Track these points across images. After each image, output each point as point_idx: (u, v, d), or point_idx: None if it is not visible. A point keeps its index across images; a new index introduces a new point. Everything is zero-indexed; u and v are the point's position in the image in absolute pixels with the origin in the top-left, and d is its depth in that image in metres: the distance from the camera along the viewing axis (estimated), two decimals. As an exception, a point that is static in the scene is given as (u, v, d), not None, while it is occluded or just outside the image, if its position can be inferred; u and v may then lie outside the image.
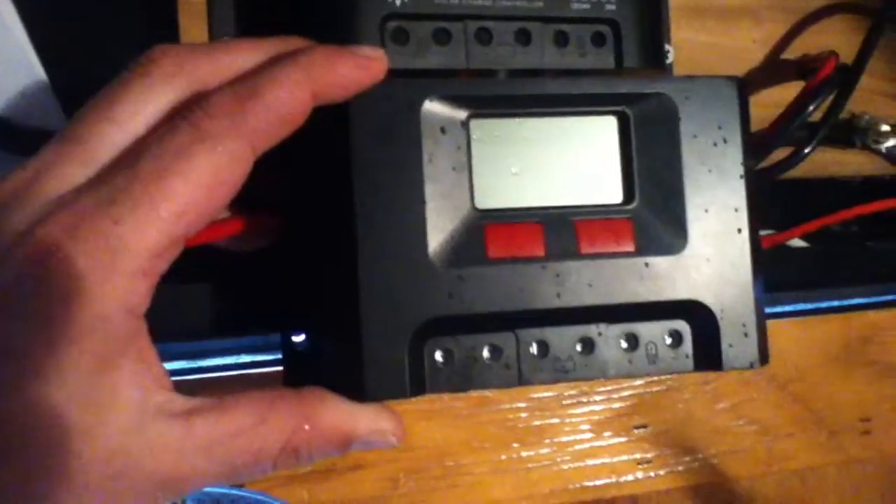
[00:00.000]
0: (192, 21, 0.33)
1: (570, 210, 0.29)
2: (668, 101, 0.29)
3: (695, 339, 0.30)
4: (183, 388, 0.25)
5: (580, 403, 0.45)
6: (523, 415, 0.44)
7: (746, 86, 0.30)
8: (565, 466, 0.45)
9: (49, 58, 0.32)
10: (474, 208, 0.28)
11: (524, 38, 0.32)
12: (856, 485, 0.49)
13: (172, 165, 0.23)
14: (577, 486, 0.45)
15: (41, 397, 0.22)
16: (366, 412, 0.27)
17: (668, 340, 0.29)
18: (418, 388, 0.27)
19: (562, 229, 0.28)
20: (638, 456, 0.46)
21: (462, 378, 0.28)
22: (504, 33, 0.32)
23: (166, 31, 0.33)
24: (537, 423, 0.44)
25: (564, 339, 0.29)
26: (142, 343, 0.24)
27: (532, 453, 0.44)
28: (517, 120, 0.29)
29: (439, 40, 0.31)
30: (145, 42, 0.33)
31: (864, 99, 0.43)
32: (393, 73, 0.27)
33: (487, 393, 0.44)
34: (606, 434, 0.45)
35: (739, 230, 0.29)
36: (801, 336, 0.48)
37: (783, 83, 0.42)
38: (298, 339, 0.31)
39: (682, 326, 0.30)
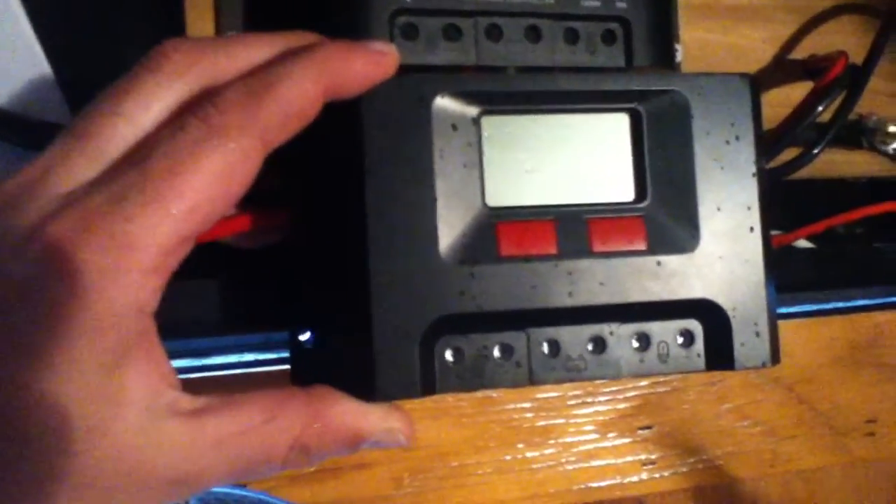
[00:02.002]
0: (199, 15, 0.33)
1: (583, 208, 0.29)
2: (680, 99, 0.29)
3: (707, 338, 0.29)
4: (186, 387, 0.25)
5: (585, 404, 0.45)
6: (528, 415, 0.44)
7: (758, 83, 0.30)
8: (570, 467, 0.44)
9: (54, 50, 0.32)
10: (486, 206, 0.28)
11: (534, 35, 0.32)
12: (860, 486, 0.49)
13: (184, 162, 0.22)
14: (582, 486, 0.45)
15: (51, 394, 0.21)
16: (376, 411, 0.27)
17: (680, 340, 0.29)
18: (429, 387, 0.27)
19: (574, 227, 0.28)
20: (643, 457, 0.46)
21: (472, 377, 0.28)
22: (514, 30, 0.32)
23: (173, 24, 0.32)
24: (542, 423, 0.44)
25: (576, 338, 0.28)
26: (151, 341, 0.24)
27: (537, 454, 0.44)
28: (529, 117, 0.29)
29: (449, 36, 0.31)
30: (151, 35, 0.33)
31: (872, 99, 0.43)
32: (402, 69, 0.27)
33: (492, 393, 0.44)
34: (611, 435, 0.45)
35: (752, 229, 0.29)
36: (806, 337, 0.48)
37: (791, 83, 0.42)
38: (305, 336, 0.30)
39: (695, 326, 0.29)
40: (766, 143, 0.37)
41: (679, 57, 0.38)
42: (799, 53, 0.42)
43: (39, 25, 0.32)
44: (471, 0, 0.31)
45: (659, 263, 0.28)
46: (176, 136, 0.23)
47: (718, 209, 0.29)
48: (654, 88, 0.29)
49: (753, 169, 0.29)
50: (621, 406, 0.45)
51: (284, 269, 0.31)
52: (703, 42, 0.41)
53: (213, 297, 0.33)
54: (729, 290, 0.29)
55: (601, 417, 0.45)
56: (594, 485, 0.45)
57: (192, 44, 0.25)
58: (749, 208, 0.29)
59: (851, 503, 0.49)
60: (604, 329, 0.29)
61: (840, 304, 0.48)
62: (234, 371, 0.42)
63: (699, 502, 0.46)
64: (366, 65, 0.26)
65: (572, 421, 0.45)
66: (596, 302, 0.28)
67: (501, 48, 0.31)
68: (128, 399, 0.23)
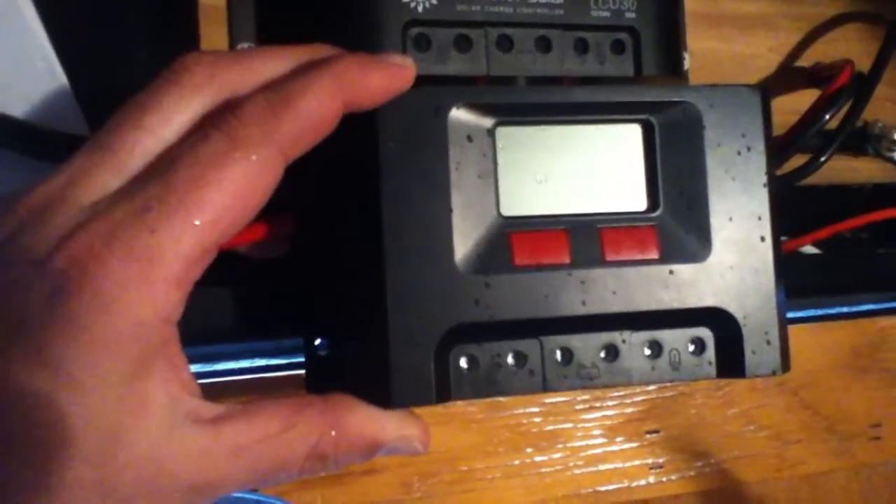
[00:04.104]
0: (213, 27, 0.33)
1: (595, 217, 0.29)
2: (692, 110, 0.29)
3: (718, 346, 0.30)
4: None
5: (593, 408, 0.45)
6: (536, 419, 0.44)
7: (769, 94, 0.31)
8: (578, 471, 0.45)
9: (71, 62, 0.32)
10: (500, 215, 0.28)
11: (545, 45, 0.32)
12: (865, 490, 0.49)
13: (207, 174, 0.23)
14: (590, 490, 0.45)
15: (75, 405, 0.22)
16: (392, 418, 0.27)
17: (692, 347, 0.30)
18: (444, 394, 0.27)
19: (587, 237, 0.28)
20: (650, 461, 0.46)
21: (487, 385, 0.28)
22: (525, 40, 0.32)
23: (186, 36, 0.33)
24: (550, 427, 0.44)
25: (589, 346, 0.29)
26: (173, 350, 0.24)
27: (545, 458, 0.44)
28: (543, 128, 0.29)
29: (460, 47, 0.31)
30: (166, 47, 0.33)
31: (877, 106, 0.43)
32: (415, 80, 0.27)
33: (501, 397, 0.44)
34: (619, 439, 0.46)
35: (763, 238, 0.30)
36: (811, 342, 0.48)
37: (797, 90, 0.42)
38: (319, 343, 0.31)
39: (706, 334, 0.30)
40: (774, 151, 0.37)
41: (686, 65, 0.38)
42: (805, 61, 0.42)
43: (56, 37, 0.32)
44: (482, 11, 0.31)
45: (671, 272, 0.29)
46: (198, 149, 0.23)
47: (730, 219, 0.29)
48: (666, 100, 0.29)
49: (764, 179, 0.30)
50: (629, 410, 0.46)
51: (298, 277, 0.31)
52: (709, 50, 0.41)
53: (227, 305, 0.33)
54: (740, 299, 0.29)
55: (609, 422, 0.46)
56: (602, 489, 0.45)
57: (213, 57, 0.25)
58: (760, 218, 0.30)
59: (856, 507, 0.49)
60: (616, 337, 0.29)
61: (845, 309, 0.49)
62: (245, 376, 0.42)
63: (705, 506, 0.46)
64: (383, 78, 0.26)
65: (580, 425, 0.45)
66: (609, 310, 0.28)
67: (512, 58, 0.32)
68: (149, 408, 0.23)
